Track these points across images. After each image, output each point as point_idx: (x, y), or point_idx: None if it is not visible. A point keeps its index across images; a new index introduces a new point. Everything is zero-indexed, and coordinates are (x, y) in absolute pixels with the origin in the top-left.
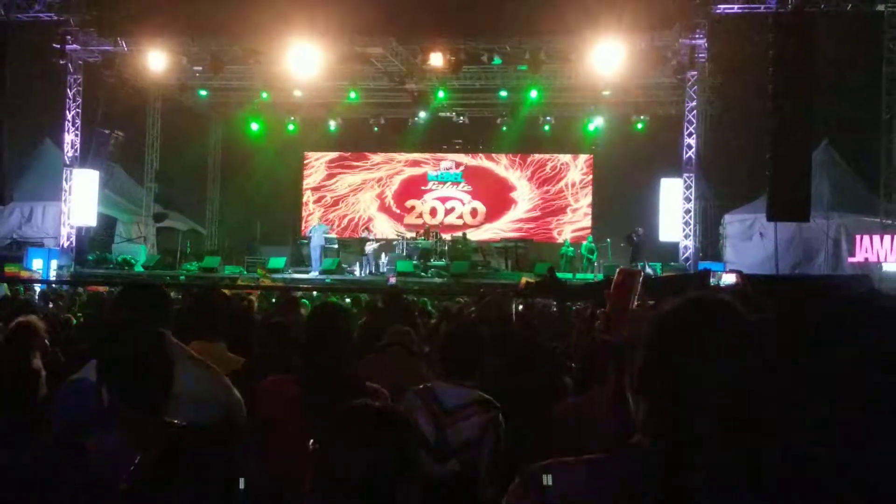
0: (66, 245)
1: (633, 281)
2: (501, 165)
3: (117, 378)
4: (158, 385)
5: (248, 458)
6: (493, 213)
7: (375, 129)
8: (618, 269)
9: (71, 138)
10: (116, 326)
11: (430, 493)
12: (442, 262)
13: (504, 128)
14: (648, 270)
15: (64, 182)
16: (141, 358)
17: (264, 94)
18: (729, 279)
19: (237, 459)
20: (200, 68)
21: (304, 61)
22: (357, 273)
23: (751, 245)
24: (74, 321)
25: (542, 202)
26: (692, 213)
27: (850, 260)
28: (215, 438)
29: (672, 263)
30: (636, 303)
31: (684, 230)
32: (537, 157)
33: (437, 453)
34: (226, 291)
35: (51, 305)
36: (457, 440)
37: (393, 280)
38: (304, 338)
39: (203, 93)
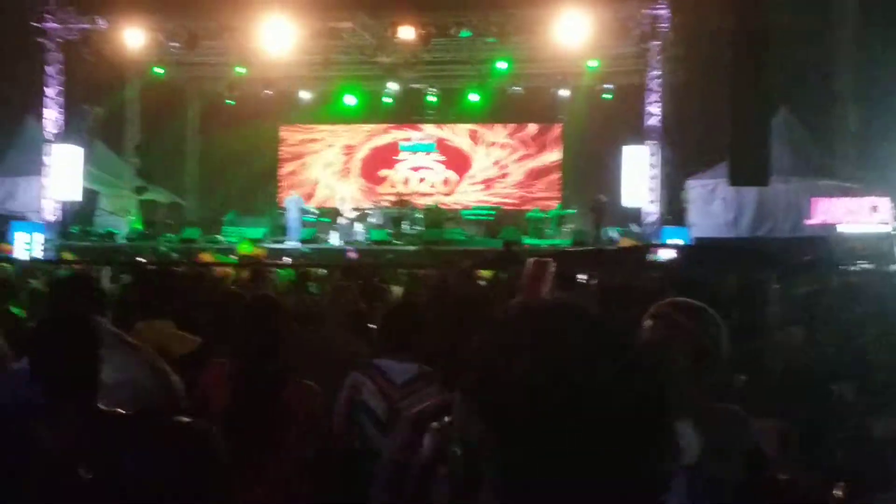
0: (51, 220)
1: (545, 271)
2: (472, 135)
3: (45, 368)
4: (86, 374)
5: None
6: (465, 181)
7: (348, 102)
8: (532, 261)
9: (53, 115)
10: (44, 317)
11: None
12: (415, 231)
13: (474, 99)
14: (612, 235)
15: (45, 157)
16: (66, 348)
17: (239, 69)
18: (667, 254)
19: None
20: (177, 44)
21: (277, 36)
22: (333, 242)
23: (713, 209)
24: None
25: (512, 170)
26: (657, 180)
27: (808, 222)
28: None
29: (632, 227)
30: (547, 292)
31: (649, 196)
32: (507, 126)
33: (389, 430)
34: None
35: (31, 282)
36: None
37: (353, 255)
38: (237, 330)
39: (179, 68)
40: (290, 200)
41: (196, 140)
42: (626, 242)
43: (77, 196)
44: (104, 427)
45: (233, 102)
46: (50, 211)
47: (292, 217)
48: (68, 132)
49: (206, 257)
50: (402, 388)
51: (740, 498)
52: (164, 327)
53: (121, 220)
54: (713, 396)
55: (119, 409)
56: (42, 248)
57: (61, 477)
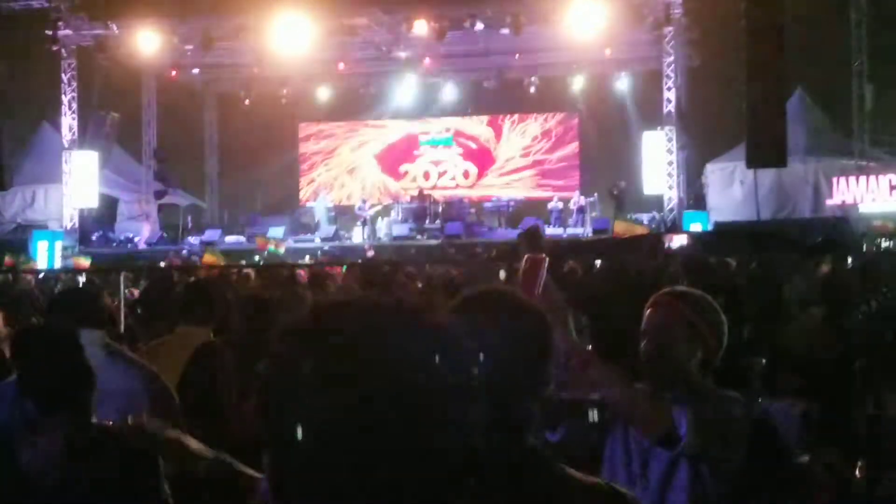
0: (69, 227)
1: (539, 268)
2: (490, 127)
3: (34, 384)
4: (78, 389)
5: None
6: (485, 173)
7: (365, 98)
8: (527, 257)
9: (69, 122)
10: (33, 332)
11: None
12: (437, 225)
13: (491, 90)
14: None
15: (64, 164)
16: (58, 363)
17: (255, 69)
18: (680, 240)
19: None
20: (191, 46)
21: (292, 35)
22: (357, 239)
23: (732, 192)
24: None
25: (532, 160)
26: (674, 165)
27: (828, 202)
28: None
29: (655, 213)
30: (541, 288)
31: (668, 181)
32: (525, 116)
33: None
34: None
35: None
36: None
37: (370, 253)
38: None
39: (195, 70)
40: (319, 199)
41: (214, 141)
42: (619, 227)
43: (94, 203)
44: (87, 443)
45: (250, 103)
46: (69, 218)
47: (320, 215)
48: (85, 138)
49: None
50: None
51: (747, 480)
52: (201, 333)
53: (141, 225)
54: (718, 382)
55: (107, 421)
56: (62, 256)
57: (35, 496)
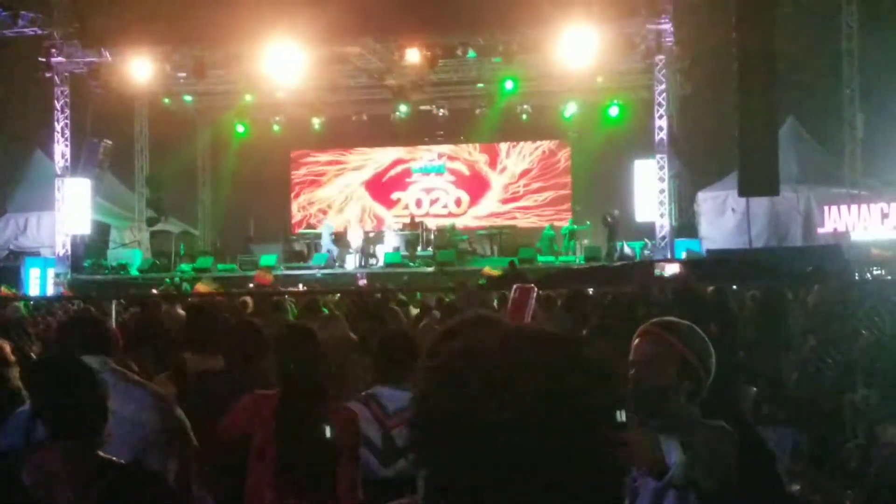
0: (61, 254)
1: (527, 297)
2: (482, 154)
3: (47, 411)
4: (90, 417)
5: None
6: (477, 201)
7: (358, 125)
8: (514, 287)
9: (61, 149)
10: (45, 360)
11: (378, 495)
12: (429, 252)
13: (483, 118)
14: (627, 251)
15: (56, 192)
16: (70, 390)
17: (248, 97)
18: (672, 269)
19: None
20: (184, 74)
21: (285, 63)
22: (350, 266)
23: (724, 221)
24: None
25: (524, 188)
26: (666, 193)
27: (820, 231)
28: (150, 477)
29: (647, 241)
30: (531, 317)
31: (659, 209)
32: (517, 144)
33: (384, 456)
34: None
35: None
36: (403, 442)
37: (363, 281)
38: (277, 361)
39: (188, 98)
40: (324, 227)
41: (207, 169)
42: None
43: (86, 229)
44: (95, 471)
45: (242, 130)
46: (61, 245)
47: (325, 243)
48: (77, 165)
49: (203, 288)
50: (393, 416)
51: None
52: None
53: (133, 253)
54: (711, 410)
55: (113, 458)
56: (54, 283)
57: None
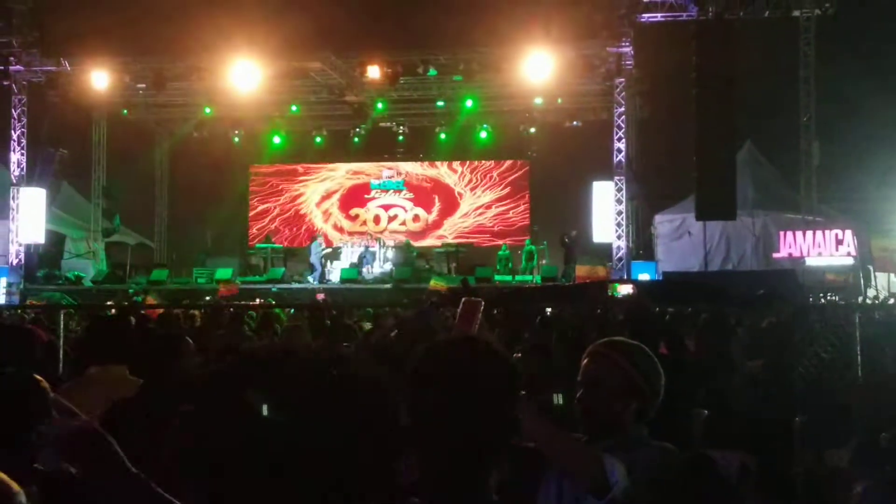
0: (14, 263)
1: (475, 310)
2: (442, 172)
3: None
4: (21, 427)
5: None
6: (435, 219)
7: (317, 140)
8: (463, 300)
9: (17, 157)
10: None
11: None
12: (386, 269)
13: (443, 136)
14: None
15: (11, 200)
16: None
17: (207, 110)
18: (625, 289)
19: None
20: (144, 86)
21: (245, 77)
22: (310, 280)
23: (680, 244)
24: None
25: (482, 207)
26: (624, 215)
27: (776, 256)
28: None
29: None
30: (475, 331)
31: (616, 231)
32: (476, 163)
33: None
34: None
35: None
36: None
37: (321, 296)
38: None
39: (147, 110)
40: (315, 243)
41: (164, 181)
42: (581, 271)
43: (40, 239)
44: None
45: (201, 143)
46: (15, 255)
47: (313, 259)
48: (33, 174)
49: (151, 300)
50: None
51: None
52: (118, 372)
53: (87, 264)
54: (660, 432)
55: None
56: (7, 292)
57: None
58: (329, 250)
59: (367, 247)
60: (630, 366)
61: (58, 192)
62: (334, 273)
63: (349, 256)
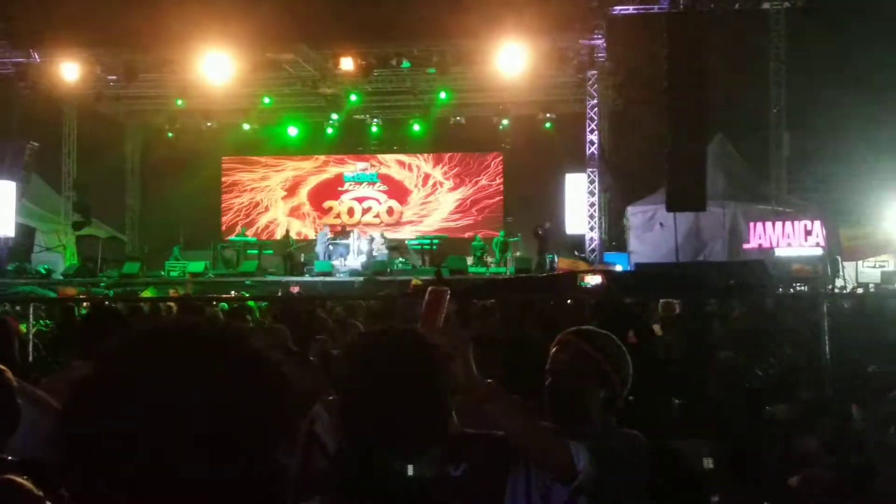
0: None
1: (441, 299)
2: (415, 165)
3: None
4: None
5: None
6: (410, 210)
7: (291, 133)
8: (430, 290)
9: None
10: None
11: None
12: (361, 261)
13: (417, 128)
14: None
15: None
16: None
17: (179, 102)
18: (594, 280)
19: None
20: (115, 77)
21: (217, 69)
22: (280, 275)
23: (652, 235)
24: None
25: (456, 199)
26: (596, 206)
27: (745, 246)
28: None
29: (577, 254)
30: (443, 319)
31: (589, 223)
32: (450, 155)
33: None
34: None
35: None
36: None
37: (296, 289)
38: None
39: (118, 102)
40: (321, 234)
41: (136, 174)
42: (563, 264)
43: (10, 232)
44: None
45: (173, 135)
46: None
47: (318, 250)
48: (2, 167)
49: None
50: None
51: None
52: None
53: (58, 257)
54: (630, 420)
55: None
56: None
57: None
58: (336, 240)
59: (339, 239)
60: (598, 354)
61: (27, 184)
62: (306, 266)
63: (322, 249)
